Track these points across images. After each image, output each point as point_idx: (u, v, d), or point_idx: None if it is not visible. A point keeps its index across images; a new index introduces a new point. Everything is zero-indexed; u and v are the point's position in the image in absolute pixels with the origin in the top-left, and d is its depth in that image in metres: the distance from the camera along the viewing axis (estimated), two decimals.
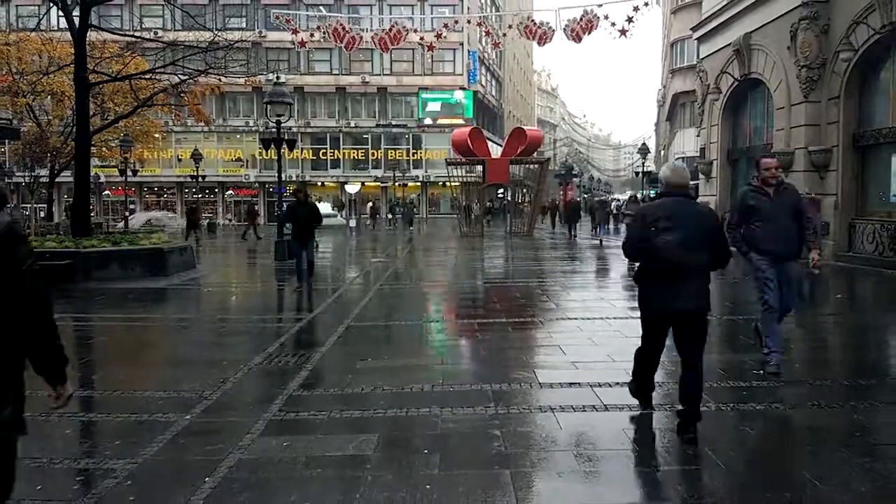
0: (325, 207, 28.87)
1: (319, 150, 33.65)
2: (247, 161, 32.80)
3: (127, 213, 23.70)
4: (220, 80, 12.07)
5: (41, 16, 16.82)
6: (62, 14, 10.46)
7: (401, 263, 10.10)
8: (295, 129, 28.24)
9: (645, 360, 3.09)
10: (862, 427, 3.08)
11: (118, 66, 12.55)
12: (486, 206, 23.44)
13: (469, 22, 21.75)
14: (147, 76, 12.32)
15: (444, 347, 5.11)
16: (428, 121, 33.05)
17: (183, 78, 11.65)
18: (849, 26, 9.98)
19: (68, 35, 10.42)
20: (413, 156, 33.92)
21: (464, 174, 20.48)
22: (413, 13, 29.97)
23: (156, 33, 15.26)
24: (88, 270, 8.87)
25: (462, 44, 32.32)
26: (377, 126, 33.44)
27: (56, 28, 16.88)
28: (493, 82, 41.11)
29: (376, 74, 32.81)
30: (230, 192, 33.92)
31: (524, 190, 25.81)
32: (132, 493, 2.42)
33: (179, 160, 31.80)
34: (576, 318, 5.95)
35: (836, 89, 10.50)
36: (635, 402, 3.49)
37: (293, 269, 10.42)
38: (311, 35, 13.67)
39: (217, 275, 10.83)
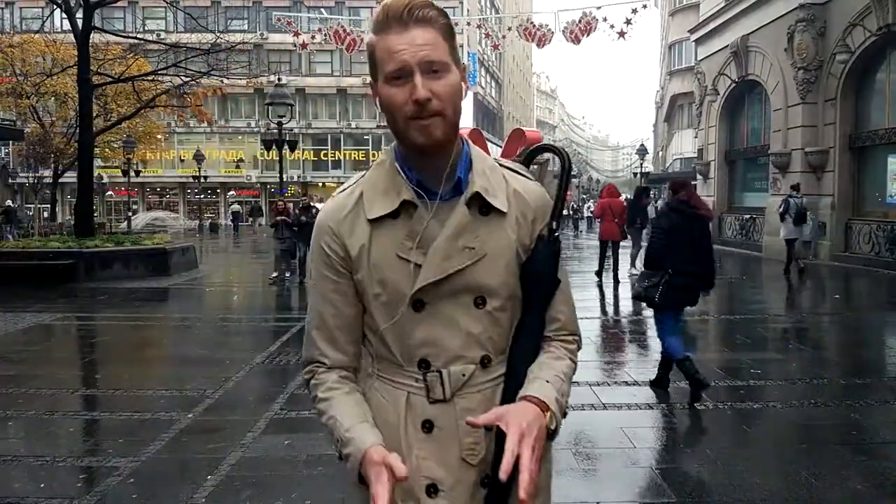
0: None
1: (320, 151, 33.71)
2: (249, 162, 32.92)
3: (130, 214, 23.79)
4: (222, 81, 12.14)
5: (45, 18, 16.90)
6: (66, 16, 10.53)
7: None
8: (296, 131, 28.27)
9: None
10: (858, 425, 3.11)
11: (121, 68, 12.59)
12: None
13: (469, 24, 21.79)
14: (150, 78, 12.39)
15: None
16: None
17: (185, 79, 11.71)
18: (845, 28, 10.03)
19: (72, 37, 10.48)
20: None
21: None
22: None
23: (158, 35, 15.33)
24: (91, 270, 8.93)
25: (462, 45, 32.38)
26: (378, 127, 33.48)
27: (60, 30, 16.95)
28: (493, 84, 41.17)
29: None
30: (232, 192, 34.02)
31: None
32: (135, 491, 2.46)
33: (182, 161, 31.87)
34: None
35: (832, 91, 10.54)
36: (633, 401, 3.53)
37: (295, 269, 10.53)
38: (313, 37, 13.73)
39: (219, 274, 10.87)
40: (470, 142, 0.89)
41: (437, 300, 0.82)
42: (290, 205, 10.18)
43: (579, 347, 0.93)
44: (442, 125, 0.80)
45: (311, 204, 9.99)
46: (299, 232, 8.94)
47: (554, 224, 0.87)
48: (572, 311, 0.92)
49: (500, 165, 0.90)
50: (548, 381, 0.82)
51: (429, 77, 0.78)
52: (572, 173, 0.95)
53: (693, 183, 15.16)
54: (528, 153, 0.97)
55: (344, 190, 0.90)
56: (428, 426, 0.84)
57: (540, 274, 0.86)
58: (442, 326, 0.83)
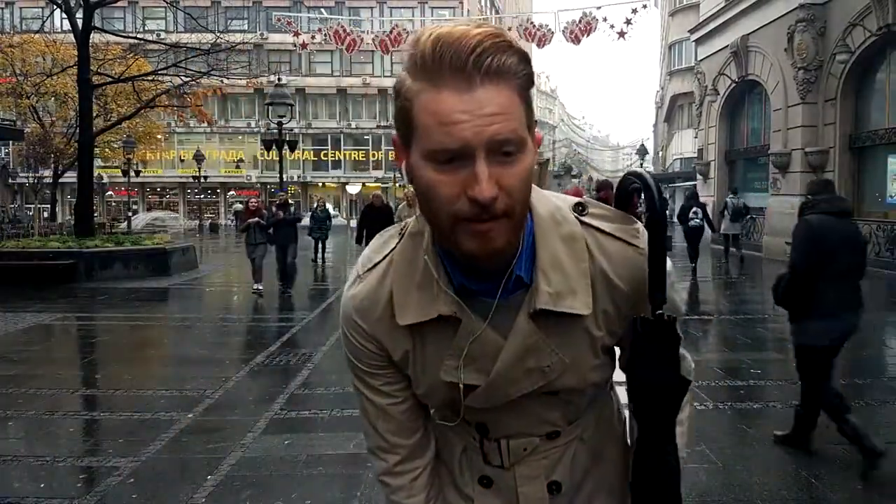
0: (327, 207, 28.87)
1: (320, 151, 33.74)
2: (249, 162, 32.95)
3: (130, 214, 23.81)
4: (222, 81, 12.14)
5: (45, 18, 16.92)
6: (66, 16, 10.54)
7: None
8: (296, 131, 28.29)
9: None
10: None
11: (121, 68, 12.61)
12: None
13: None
14: (150, 78, 12.40)
15: None
16: None
17: (185, 79, 11.72)
18: (845, 28, 10.03)
19: (72, 37, 10.49)
20: None
21: None
22: (413, 15, 30.05)
23: (158, 35, 15.33)
24: (91, 270, 8.94)
25: None
26: (378, 127, 33.50)
27: (60, 30, 16.98)
28: None
29: (377, 76, 32.87)
30: (232, 192, 34.06)
31: None
32: (135, 491, 2.46)
33: (182, 161, 31.90)
34: None
35: (832, 91, 10.54)
36: None
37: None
38: (313, 37, 13.74)
39: (219, 274, 10.87)
40: (533, 200, 0.63)
41: None
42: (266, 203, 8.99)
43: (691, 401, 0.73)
44: (507, 230, 0.57)
45: (290, 201, 8.37)
46: (275, 233, 7.64)
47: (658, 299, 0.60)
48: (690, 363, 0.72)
49: (583, 223, 0.65)
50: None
51: (497, 162, 0.54)
52: (572, 174, 0.65)
53: (693, 184, 15.54)
54: (619, 190, 0.69)
55: (372, 267, 0.68)
56: (486, 482, 0.75)
57: (656, 387, 0.60)
58: (505, 411, 0.70)
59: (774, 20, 11.63)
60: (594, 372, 0.68)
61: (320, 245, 11.44)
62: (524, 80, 0.55)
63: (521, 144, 0.55)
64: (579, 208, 0.67)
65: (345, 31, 12.98)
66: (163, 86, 12.68)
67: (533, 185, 0.65)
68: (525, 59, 0.55)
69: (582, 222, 0.66)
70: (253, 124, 32.63)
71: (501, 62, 0.53)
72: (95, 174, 13.93)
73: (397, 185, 31.65)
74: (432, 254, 0.64)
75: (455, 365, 0.65)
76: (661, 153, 37.36)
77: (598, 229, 0.65)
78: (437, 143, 0.54)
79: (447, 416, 0.71)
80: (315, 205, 12.13)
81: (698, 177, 15.47)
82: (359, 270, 0.70)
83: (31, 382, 3.97)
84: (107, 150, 19.52)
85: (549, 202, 0.66)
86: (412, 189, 0.76)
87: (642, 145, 26.71)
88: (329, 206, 27.02)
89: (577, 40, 11.88)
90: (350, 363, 0.73)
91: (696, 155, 16.98)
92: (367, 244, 0.74)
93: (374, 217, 8.13)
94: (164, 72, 11.58)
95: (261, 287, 7.77)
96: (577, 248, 0.64)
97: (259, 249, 7.73)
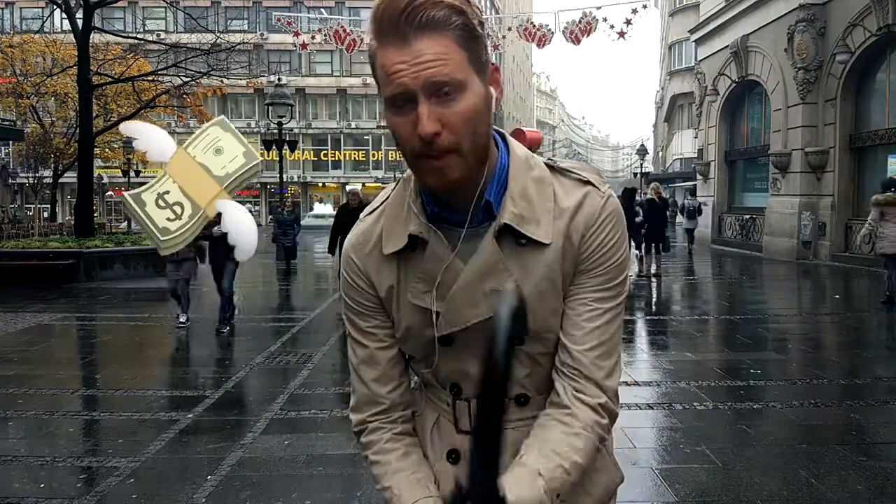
0: (327, 207, 28.92)
1: (320, 151, 33.76)
2: None
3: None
4: (222, 81, 12.15)
5: (45, 18, 16.93)
6: (66, 16, 10.55)
7: None
8: (296, 131, 28.31)
9: None
10: (858, 425, 3.11)
11: (121, 68, 12.63)
12: None
13: None
14: (150, 78, 12.42)
15: None
16: None
17: (185, 80, 11.73)
18: (845, 29, 10.03)
19: (72, 37, 10.51)
20: None
21: None
22: None
23: (158, 35, 15.34)
24: (91, 270, 8.95)
25: None
26: (378, 127, 33.53)
27: (60, 30, 17.00)
28: None
29: None
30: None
31: None
32: (135, 491, 2.46)
33: None
34: None
35: (832, 91, 10.54)
36: (634, 401, 3.54)
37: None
38: (313, 37, 13.73)
39: None
40: (512, 144, 0.72)
41: (466, 336, 0.70)
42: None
43: (611, 419, 0.70)
44: (458, 164, 0.62)
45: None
46: (210, 249, 5.31)
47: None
48: (608, 353, 0.70)
49: (555, 170, 0.71)
50: (540, 475, 0.62)
51: (439, 102, 0.60)
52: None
53: (694, 183, 15.78)
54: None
55: (373, 210, 0.76)
56: (454, 457, 0.76)
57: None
58: (473, 358, 0.70)
59: (774, 20, 11.63)
60: (555, 318, 0.70)
61: (289, 254, 9.50)
62: (460, 29, 0.61)
63: (460, 85, 0.61)
64: (551, 161, 0.75)
65: (345, 31, 12.97)
66: (163, 86, 12.69)
67: (523, 150, 0.72)
68: (458, 11, 0.61)
69: (552, 169, 0.72)
70: (253, 124, 32.60)
71: (430, 16, 0.60)
72: (95, 174, 13.93)
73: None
74: (414, 184, 0.71)
75: (423, 289, 0.70)
76: (660, 153, 37.35)
77: (565, 173, 0.72)
78: (388, 91, 0.62)
79: (423, 366, 0.75)
80: (284, 207, 10.44)
81: (698, 177, 15.47)
82: (362, 216, 0.78)
83: (31, 382, 3.97)
84: (107, 150, 19.52)
85: (526, 150, 0.74)
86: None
87: (642, 145, 26.70)
88: (328, 207, 26.97)
89: (577, 40, 11.86)
90: (345, 305, 0.78)
91: (696, 155, 16.98)
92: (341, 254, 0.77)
93: (350, 221, 6.57)
94: (164, 72, 11.59)
95: (184, 321, 5.53)
96: (545, 190, 0.70)
97: (183, 269, 5.36)
